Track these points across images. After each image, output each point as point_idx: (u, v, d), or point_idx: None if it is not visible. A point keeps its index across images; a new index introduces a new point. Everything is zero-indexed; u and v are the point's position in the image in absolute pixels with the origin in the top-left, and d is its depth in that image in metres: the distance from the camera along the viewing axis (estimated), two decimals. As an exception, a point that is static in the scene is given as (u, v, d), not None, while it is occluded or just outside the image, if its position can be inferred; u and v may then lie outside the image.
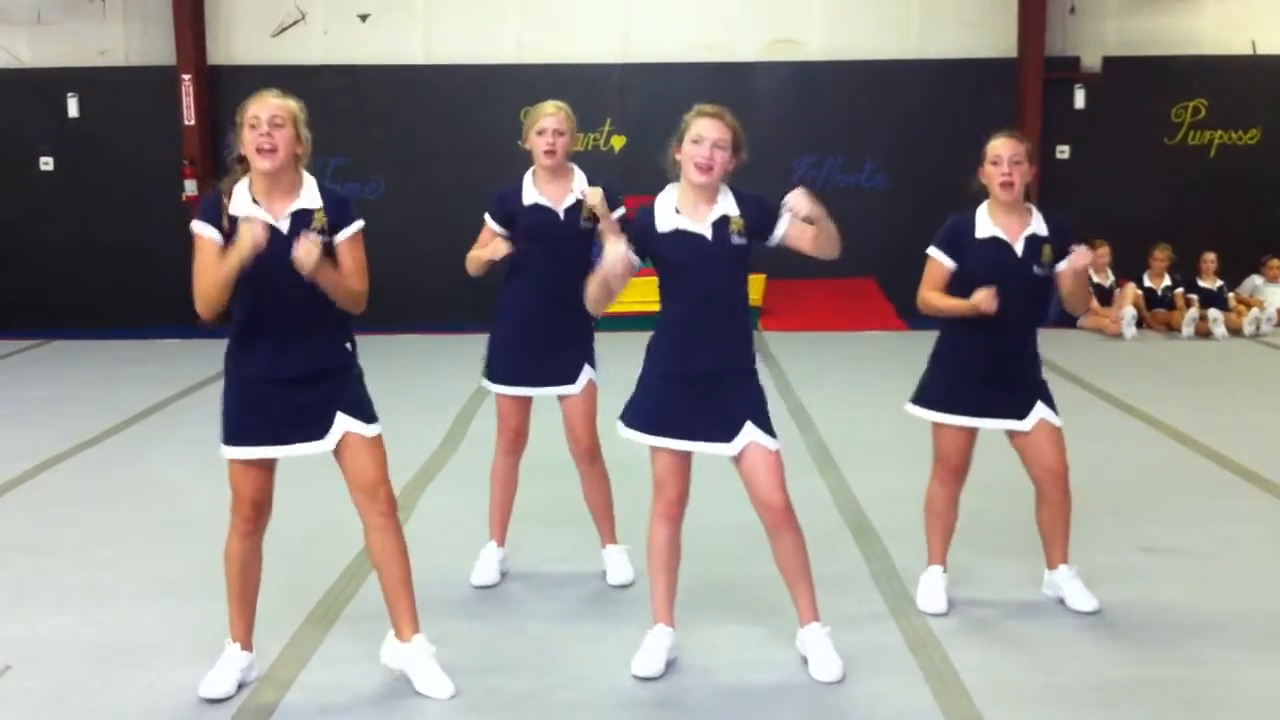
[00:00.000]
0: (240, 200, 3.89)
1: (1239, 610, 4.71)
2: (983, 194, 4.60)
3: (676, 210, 4.05)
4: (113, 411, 8.61)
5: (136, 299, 13.66)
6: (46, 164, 13.71)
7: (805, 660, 4.18)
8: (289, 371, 3.90)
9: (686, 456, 4.15)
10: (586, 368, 4.97)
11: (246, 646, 4.08)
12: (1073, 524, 4.79)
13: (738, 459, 4.07)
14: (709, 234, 4.01)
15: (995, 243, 4.52)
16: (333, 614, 4.70)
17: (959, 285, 4.54)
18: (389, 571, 4.05)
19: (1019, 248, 4.51)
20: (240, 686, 4.03)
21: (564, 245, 4.88)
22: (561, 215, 4.89)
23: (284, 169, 3.87)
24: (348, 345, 4.03)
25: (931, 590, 4.73)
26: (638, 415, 4.14)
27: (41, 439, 7.76)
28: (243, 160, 3.90)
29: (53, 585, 5.14)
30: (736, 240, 4.01)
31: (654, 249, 4.08)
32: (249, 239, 3.74)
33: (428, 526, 5.73)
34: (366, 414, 4.01)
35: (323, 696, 4.03)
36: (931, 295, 4.60)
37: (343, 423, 3.95)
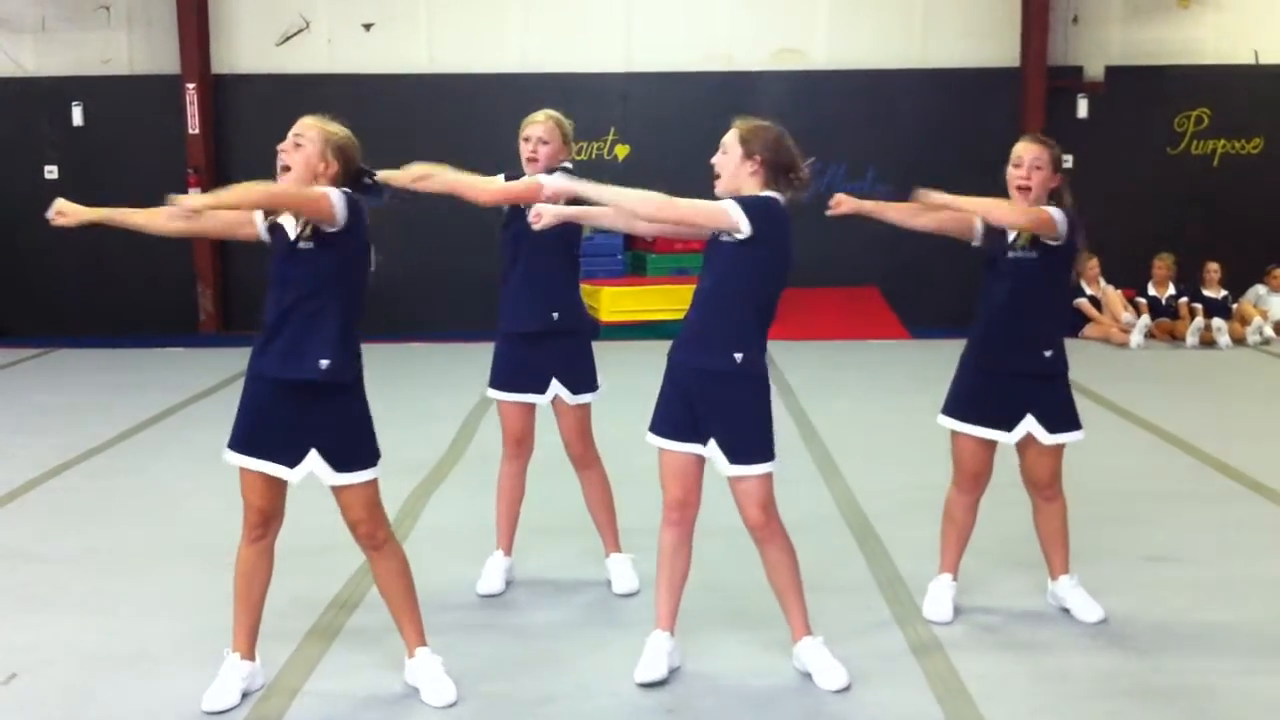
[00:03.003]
0: None
1: (1245, 619, 4.71)
2: (1006, 194, 4.61)
3: None
4: (118, 419, 8.61)
5: (141, 307, 13.67)
6: (51, 172, 13.69)
7: (809, 674, 4.17)
8: (274, 373, 3.84)
9: (687, 459, 4.13)
10: (580, 375, 4.96)
11: (248, 656, 4.05)
12: (1078, 533, 4.79)
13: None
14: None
15: (1001, 230, 4.56)
16: (338, 623, 4.70)
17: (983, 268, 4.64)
18: (386, 595, 4.09)
19: (1010, 235, 4.55)
20: (244, 695, 4.01)
21: (546, 248, 4.86)
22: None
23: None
24: (342, 369, 3.84)
25: (939, 598, 4.72)
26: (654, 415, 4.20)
27: (47, 446, 7.76)
28: (288, 169, 3.92)
29: (58, 592, 5.14)
30: (725, 239, 4.05)
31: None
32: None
33: (433, 535, 5.73)
34: (343, 459, 3.86)
35: (328, 705, 4.02)
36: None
37: (310, 462, 3.85)
